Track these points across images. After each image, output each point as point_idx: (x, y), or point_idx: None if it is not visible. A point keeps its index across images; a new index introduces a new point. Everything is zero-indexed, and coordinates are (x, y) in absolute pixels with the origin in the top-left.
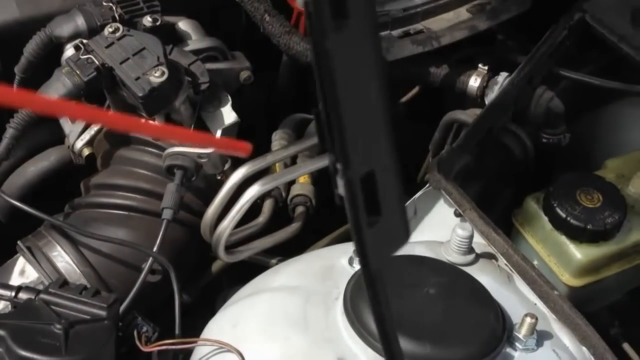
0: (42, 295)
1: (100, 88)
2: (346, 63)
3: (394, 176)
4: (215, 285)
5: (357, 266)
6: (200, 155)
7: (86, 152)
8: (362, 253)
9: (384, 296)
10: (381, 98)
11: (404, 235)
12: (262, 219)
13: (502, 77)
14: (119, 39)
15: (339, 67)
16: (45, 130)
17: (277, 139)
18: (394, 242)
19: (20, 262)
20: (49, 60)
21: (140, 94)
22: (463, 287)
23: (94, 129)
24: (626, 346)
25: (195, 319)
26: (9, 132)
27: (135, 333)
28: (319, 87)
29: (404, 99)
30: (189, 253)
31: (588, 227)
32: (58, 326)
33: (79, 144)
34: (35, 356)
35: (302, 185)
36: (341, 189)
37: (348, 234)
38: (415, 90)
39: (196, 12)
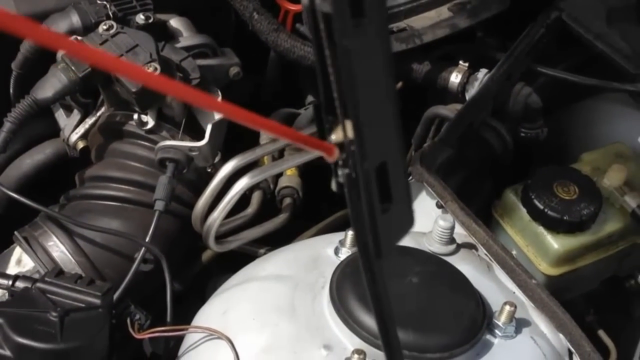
0: (38, 284)
1: (95, 84)
2: (362, 60)
3: (401, 166)
4: (205, 274)
5: (342, 256)
6: (191, 149)
7: (81, 145)
8: (375, 239)
9: (383, 285)
10: (391, 92)
11: (411, 220)
12: (251, 210)
13: (482, 74)
14: (113, 36)
15: (357, 64)
16: (41, 124)
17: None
18: (403, 227)
19: (17, 252)
20: (45, 56)
21: (134, 90)
22: (445, 276)
23: (88, 123)
24: (601, 333)
25: (186, 307)
26: (7, 125)
27: (128, 320)
28: (336, 86)
29: None
30: (180, 243)
31: (565, 218)
32: (54, 314)
33: (74, 137)
34: (31, 343)
35: (290, 178)
36: (342, 178)
37: (334, 224)
38: (398, 85)
39: (187, 10)
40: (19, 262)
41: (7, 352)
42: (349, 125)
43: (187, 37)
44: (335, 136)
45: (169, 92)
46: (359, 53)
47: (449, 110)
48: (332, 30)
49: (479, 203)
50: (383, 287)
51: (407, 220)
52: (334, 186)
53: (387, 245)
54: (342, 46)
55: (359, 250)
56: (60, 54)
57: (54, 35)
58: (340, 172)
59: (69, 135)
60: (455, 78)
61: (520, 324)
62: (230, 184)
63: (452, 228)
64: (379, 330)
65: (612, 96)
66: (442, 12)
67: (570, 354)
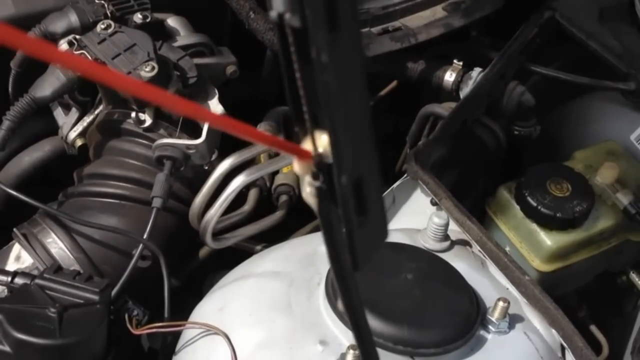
0: (37, 281)
1: (93, 82)
2: (338, 75)
3: (376, 179)
4: (202, 271)
5: None
6: (188, 147)
7: (79, 142)
8: (352, 252)
9: (357, 295)
10: (366, 106)
11: (385, 233)
12: (247, 207)
13: (476, 72)
14: (111, 35)
15: (333, 79)
16: (39, 122)
17: (262, 129)
18: (378, 239)
19: (16, 249)
20: None
21: None
22: (439, 272)
23: (86, 121)
24: (593, 328)
25: (184, 303)
26: (5, 124)
27: (126, 316)
28: (306, 100)
29: (382, 93)
30: (178, 240)
31: (558, 215)
32: (52, 310)
33: (72, 135)
34: (30, 339)
35: (286, 175)
36: (321, 184)
37: None
38: (393, 84)
39: (184, 9)
40: (17, 258)
41: (7, 348)
42: (318, 138)
43: (184, 36)
44: (306, 148)
45: (156, 101)
46: (335, 67)
47: (443, 109)
48: (302, 41)
49: (472, 200)
50: (358, 298)
51: (381, 233)
52: (304, 196)
53: (364, 258)
54: (320, 62)
55: (331, 263)
56: None
57: (42, 44)
58: (309, 184)
59: (67, 133)
60: (449, 77)
61: (513, 320)
62: (227, 182)
63: (446, 225)
64: (355, 340)
65: (604, 95)
66: (437, 11)
67: (563, 349)
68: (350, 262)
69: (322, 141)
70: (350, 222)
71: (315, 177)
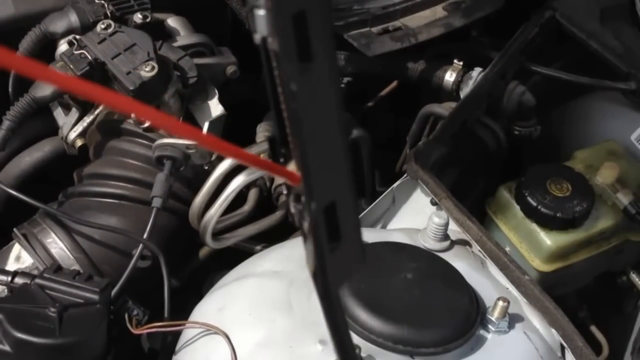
0: (37, 280)
1: (93, 82)
2: (310, 103)
3: (352, 204)
4: (202, 271)
5: None
6: (188, 147)
7: (79, 143)
8: (322, 277)
9: (341, 314)
10: (340, 133)
11: (362, 257)
12: (247, 207)
13: (476, 72)
14: (111, 35)
15: (304, 107)
16: (39, 122)
17: (262, 130)
18: (352, 264)
19: (16, 249)
20: (43, 55)
21: (131, 88)
22: (439, 272)
23: (86, 121)
24: (593, 328)
25: (183, 303)
26: (6, 124)
27: (126, 316)
28: (289, 122)
29: (383, 93)
30: (178, 240)
31: (558, 215)
32: (52, 309)
33: (72, 135)
34: (30, 338)
35: None
36: (292, 207)
37: None
38: (394, 84)
39: (184, 9)
40: (18, 258)
41: (7, 347)
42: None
43: (184, 36)
44: (290, 168)
45: (144, 117)
46: (307, 96)
47: (444, 109)
48: (280, 73)
49: (472, 200)
50: (341, 318)
51: (356, 258)
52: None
53: (334, 283)
54: (289, 90)
55: (315, 285)
56: (58, 52)
57: (31, 64)
58: (293, 205)
59: (67, 134)
60: (449, 77)
61: (513, 319)
62: (226, 182)
63: (446, 225)
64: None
65: (605, 94)
66: (437, 11)
67: (563, 348)
68: (322, 285)
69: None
70: (320, 247)
71: (297, 199)
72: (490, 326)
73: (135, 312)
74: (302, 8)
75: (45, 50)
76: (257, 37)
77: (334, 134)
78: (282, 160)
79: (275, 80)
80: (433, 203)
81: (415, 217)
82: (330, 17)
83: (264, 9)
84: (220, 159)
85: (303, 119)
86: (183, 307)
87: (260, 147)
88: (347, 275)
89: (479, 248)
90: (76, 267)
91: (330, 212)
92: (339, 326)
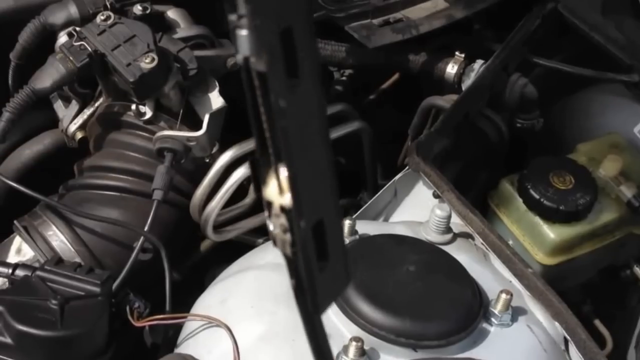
0: (38, 273)
1: (93, 74)
2: (298, 120)
3: (338, 223)
4: (203, 263)
5: None
6: (189, 139)
7: (79, 135)
8: (312, 296)
9: (323, 335)
10: (327, 149)
11: (347, 278)
12: (248, 200)
13: (478, 64)
14: (111, 26)
15: (292, 124)
16: (39, 115)
17: None
18: (339, 284)
19: (17, 241)
20: (43, 47)
21: (132, 80)
22: (441, 264)
23: (86, 114)
24: (597, 322)
25: (185, 296)
26: (5, 115)
27: (127, 309)
28: (272, 142)
29: (384, 86)
30: (179, 232)
31: (561, 208)
32: (54, 302)
33: (72, 127)
34: (32, 330)
35: None
36: (272, 226)
37: None
38: (395, 76)
39: (184, 1)
40: (18, 251)
41: (8, 340)
42: (283, 178)
43: (185, 28)
44: (270, 188)
45: None
46: (294, 113)
47: (445, 101)
48: (267, 88)
49: (475, 193)
50: (324, 339)
51: (343, 279)
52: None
53: (324, 303)
54: (278, 107)
55: (300, 309)
56: (58, 44)
57: None
58: (273, 225)
59: (68, 126)
60: (451, 69)
61: (516, 313)
62: (227, 174)
63: (449, 217)
64: None
65: (608, 87)
66: (439, 2)
67: (566, 342)
68: (311, 306)
69: (286, 181)
70: (310, 267)
71: (277, 218)
72: (493, 319)
73: (136, 305)
74: (288, 25)
75: (44, 42)
76: (239, 58)
77: (321, 151)
78: (262, 178)
79: (257, 102)
80: (435, 196)
81: (417, 209)
82: (314, 33)
83: (248, 28)
84: (221, 151)
85: (292, 135)
86: (184, 300)
87: None
88: (336, 294)
89: (481, 241)
90: (77, 259)
91: (319, 231)
92: (322, 348)
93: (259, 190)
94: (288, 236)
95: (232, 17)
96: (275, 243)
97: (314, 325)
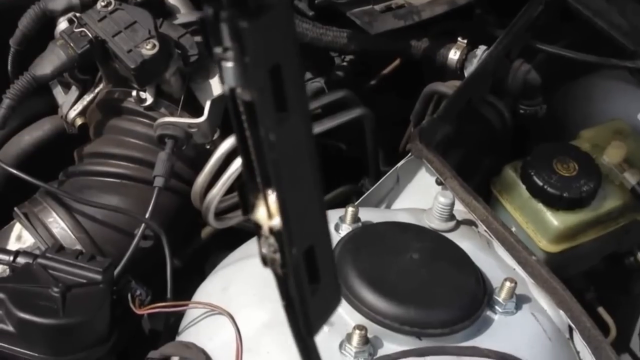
0: (40, 260)
1: (93, 60)
2: (287, 151)
3: (328, 247)
4: (205, 251)
5: (342, 232)
6: (190, 125)
7: (79, 121)
8: (306, 319)
9: (316, 356)
10: (316, 178)
11: (338, 298)
12: None
13: (481, 50)
14: (111, 12)
15: (282, 156)
16: (39, 101)
17: None
18: (331, 305)
19: (17, 228)
20: (43, 33)
21: (133, 66)
22: (445, 252)
23: (86, 100)
24: (601, 310)
25: (185, 283)
26: (5, 102)
27: (129, 296)
28: (259, 169)
29: (385, 71)
30: (180, 219)
31: (564, 195)
32: (55, 289)
33: (72, 113)
34: (33, 318)
35: None
36: (262, 247)
37: (333, 201)
38: (396, 62)
39: None
40: (19, 238)
41: (10, 328)
42: (272, 203)
43: (185, 13)
44: (259, 214)
45: None
46: (284, 145)
47: (448, 87)
48: (254, 117)
49: (478, 180)
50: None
51: (334, 299)
52: (261, 261)
53: (317, 324)
54: (268, 141)
55: (292, 330)
56: (58, 30)
57: None
58: (262, 245)
59: (67, 112)
60: (453, 55)
61: (520, 300)
62: (229, 161)
63: (452, 205)
64: None
65: (611, 73)
66: None
67: (571, 330)
68: (304, 328)
69: (274, 205)
70: (303, 291)
71: (267, 241)
72: (497, 307)
73: (138, 292)
74: (277, 62)
75: (45, 28)
76: (226, 88)
77: (310, 179)
78: (251, 204)
79: (244, 130)
80: (438, 182)
81: (420, 196)
82: (301, 67)
83: (234, 61)
84: (222, 138)
85: (282, 166)
86: (185, 288)
87: None
88: (328, 315)
89: (484, 228)
90: (78, 246)
91: (310, 256)
92: None
93: (246, 213)
94: (278, 256)
95: (218, 50)
96: (265, 263)
97: (307, 347)
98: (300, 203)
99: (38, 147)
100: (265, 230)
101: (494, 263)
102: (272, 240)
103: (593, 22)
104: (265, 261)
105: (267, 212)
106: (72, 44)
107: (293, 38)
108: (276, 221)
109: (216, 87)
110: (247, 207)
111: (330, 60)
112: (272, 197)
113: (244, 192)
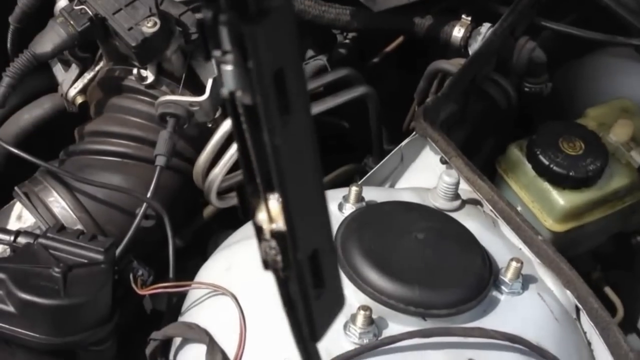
0: (41, 240)
1: (94, 38)
2: (290, 154)
3: (332, 251)
4: (207, 230)
5: (346, 212)
6: (192, 104)
7: (79, 100)
8: (310, 324)
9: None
10: (319, 181)
11: (342, 302)
12: None
13: (485, 28)
14: None
15: (286, 159)
16: (39, 79)
17: None
18: (335, 309)
19: (17, 208)
20: (43, 10)
21: (133, 44)
22: (450, 232)
23: (86, 78)
24: (607, 290)
25: (187, 263)
26: (5, 80)
27: (131, 276)
28: (259, 172)
29: (388, 49)
30: (182, 199)
31: (571, 174)
32: (57, 270)
33: (72, 92)
34: (35, 299)
35: None
36: (263, 250)
37: (336, 180)
38: (399, 40)
39: None
40: (19, 217)
41: (11, 308)
42: (273, 207)
43: None
44: (260, 217)
45: None
46: (288, 148)
47: (452, 65)
48: (255, 120)
49: (483, 159)
50: None
51: (338, 303)
52: (262, 264)
53: (321, 329)
54: (273, 145)
55: (294, 335)
56: (58, 7)
57: None
58: (267, 252)
59: (68, 90)
60: (458, 32)
61: (527, 281)
62: (231, 140)
63: (457, 184)
64: None
65: (617, 51)
66: None
67: (577, 310)
68: (309, 333)
69: (275, 208)
70: (307, 296)
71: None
72: (503, 287)
73: (140, 273)
74: (280, 66)
75: (45, 5)
76: (225, 92)
77: (314, 183)
78: (252, 207)
79: (243, 133)
80: (443, 161)
81: (424, 175)
82: (303, 70)
83: (232, 65)
84: (224, 116)
85: (286, 171)
86: (186, 268)
87: None
88: (332, 319)
89: (490, 208)
90: (79, 226)
91: (314, 260)
92: None
93: (246, 216)
94: (280, 259)
95: (217, 53)
96: (266, 266)
97: (310, 352)
98: (304, 207)
99: (38, 125)
100: (266, 233)
101: (500, 243)
102: (273, 243)
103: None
104: (266, 264)
105: (268, 215)
106: (72, 22)
107: (295, 40)
108: (278, 224)
109: None
110: (247, 210)
111: (333, 38)
112: (273, 200)
113: (244, 195)
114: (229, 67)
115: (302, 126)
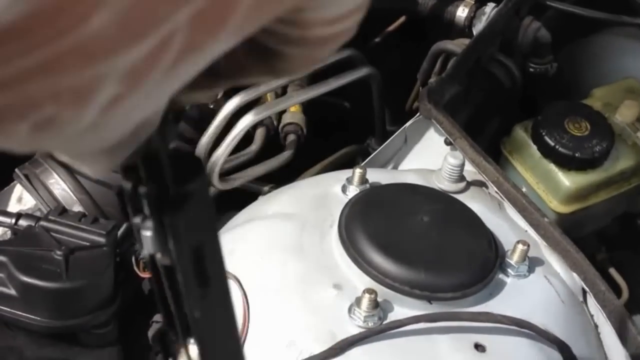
0: (42, 222)
1: None
2: (210, 321)
3: None
4: None
5: (350, 194)
6: None
7: None
8: None
9: None
10: (236, 339)
11: None
12: (254, 146)
13: (490, 8)
14: None
15: (204, 327)
16: None
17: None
18: None
19: (18, 189)
20: None
21: None
22: (456, 214)
23: None
24: (612, 271)
25: None
26: None
27: (133, 259)
28: (180, 327)
29: (391, 28)
30: None
31: (576, 155)
32: (58, 252)
33: None
34: (36, 282)
35: (293, 114)
36: None
37: (339, 161)
38: (402, 19)
39: None
40: (19, 199)
41: (12, 291)
42: (192, 353)
43: None
44: None
45: None
46: (207, 317)
47: (456, 45)
48: (174, 279)
49: (487, 140)
50: None
51: None
52: None
53: None
54: (193, 317)
55: None
56: None
57: None
58: None
59: None
60: (462, 12)
61: (533, 263)
62: (233, 121)
63: (462, 165)
64: None
65: (623, 30)
66: None
67: (584, 292)
68: None
69: (194, 353)
70: None
71: None
72: (509, 270)
73: (142, 255)
74: (199, 242)
75: None
76: (145, 253)
77: (233, 348)
78: (172, 352)
79: (164, 290)
80: (447, 143)
81: (429, 157)
82: (220, 245)
83: (152, 231)
84: (226, 97)
85: (207, 340)
86: None
87: (268, 85)
88: None
89: (495, 189)
90: (79, 208)
91: None
92: None
93: None
94: None
95: (137, 220)
96: None
97: None
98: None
99: None
100: None
101: (506, 225)
102: None
103: None
104: None
105: (187, 356)
106: None
107: (213, 218)
108: None
109: None
110: (168, 356)
111: None
112: (193, 347)
113: (164, 342)
114: (148, 233)
115: (221, 296)
